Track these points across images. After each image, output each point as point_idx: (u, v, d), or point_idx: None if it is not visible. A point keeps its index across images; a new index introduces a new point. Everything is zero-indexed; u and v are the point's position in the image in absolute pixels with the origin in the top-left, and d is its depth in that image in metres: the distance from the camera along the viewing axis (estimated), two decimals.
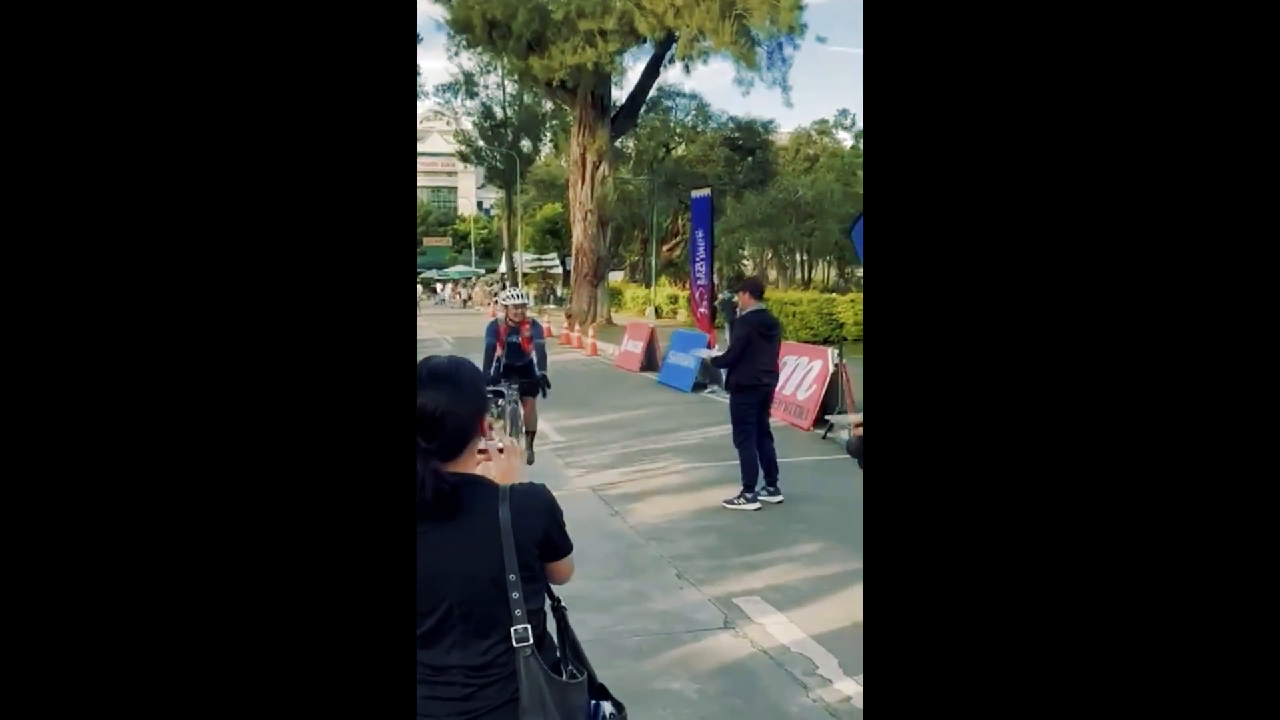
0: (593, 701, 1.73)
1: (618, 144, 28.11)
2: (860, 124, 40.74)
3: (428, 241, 58.00)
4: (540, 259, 46.89)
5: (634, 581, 4.96)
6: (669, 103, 34.88)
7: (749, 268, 32.53)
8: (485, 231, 60.11)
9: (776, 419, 8.27)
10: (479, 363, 7.07)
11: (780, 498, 6.56)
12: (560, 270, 43.79)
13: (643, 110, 29.58)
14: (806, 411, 9.75)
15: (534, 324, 7.52)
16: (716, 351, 8.61)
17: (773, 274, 33.92)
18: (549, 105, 34.68)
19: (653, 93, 29.15)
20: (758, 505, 6.43)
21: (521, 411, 7.32)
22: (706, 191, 14.17)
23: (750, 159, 36.26)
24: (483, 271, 52.21)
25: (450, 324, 26.77)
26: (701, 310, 13.80)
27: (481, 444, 1.69)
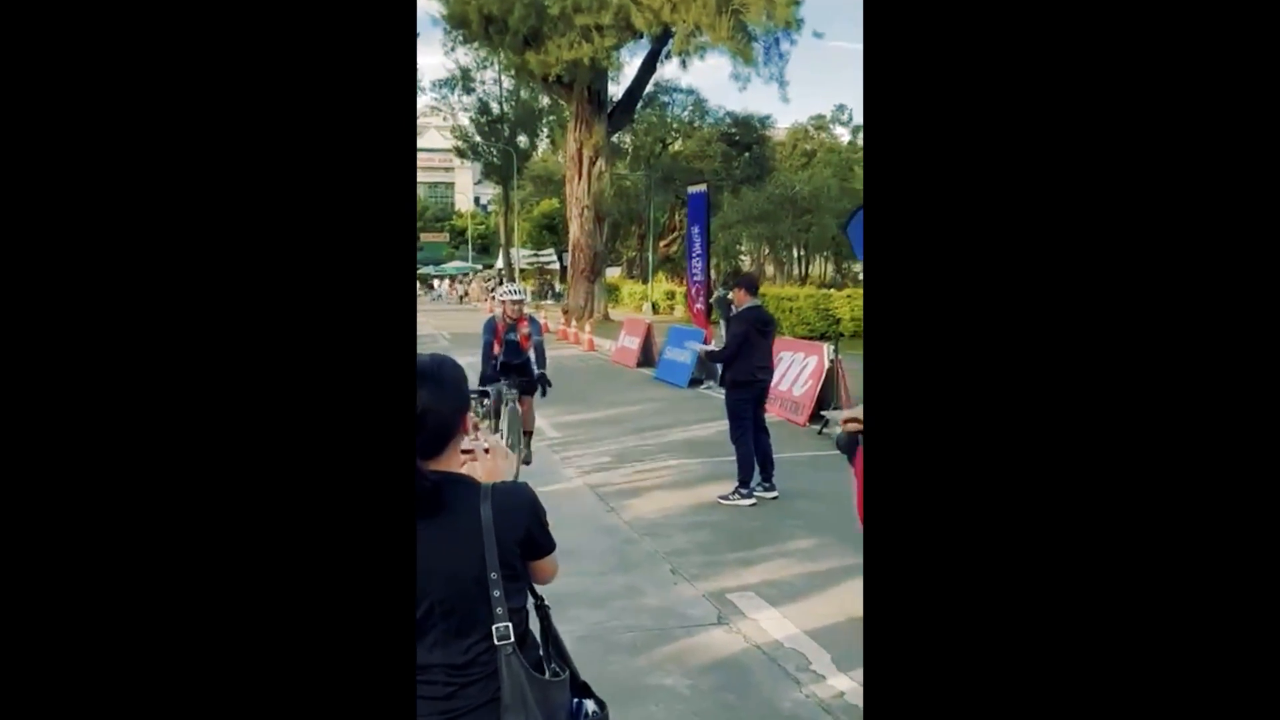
0: (575, 699, 1.73)
1: (614, 139, 28.06)
2: (857, 119, 40.85)
3: (424, 237, 57.83)
4: (537, 254, 46.84)
5: (628, 577, 4.96)
6: (666, 98, 34.85)
7: (746, 263, 32.55)
8: (482, 227, 60.04)
9: (772, 414, 8.28)
10: (478, 361, 7.02)
11: (775, 493, 6.57)
12: (557, 266, 43.77)
13: (639, 105, 29.53)
14: (802, 407, 9.75)
15: (532, 321, 7.16)
16: (713, 347, 8.62)
17: (770, 269, 33.97)
18: (546, 101, 34.65)
19: (649, 88, 29.10)
20: (753, 501, 6.44)
21: (520, 411, 7.02)
22: (703, 187, 14.18)
23: (747, 154, 36.26)
24: (480, 267, 52.14)
25: (447, 320, 26.74)
26: (698, 306, 13.81)
27: (466, 443, 1.68)
